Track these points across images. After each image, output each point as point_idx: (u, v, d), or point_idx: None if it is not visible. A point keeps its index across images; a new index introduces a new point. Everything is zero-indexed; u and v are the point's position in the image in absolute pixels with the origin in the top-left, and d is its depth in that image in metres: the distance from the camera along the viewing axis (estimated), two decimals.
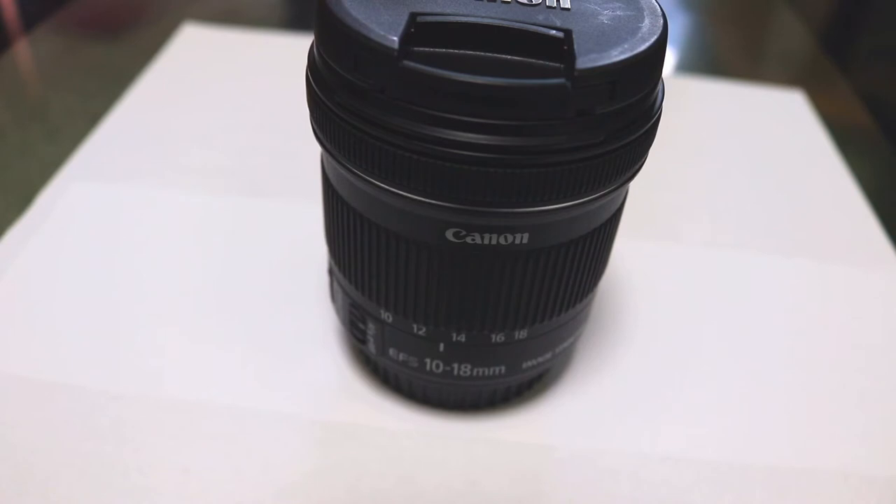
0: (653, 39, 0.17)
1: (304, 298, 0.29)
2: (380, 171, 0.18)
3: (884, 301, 0.31)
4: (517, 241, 0.19)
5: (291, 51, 0.42)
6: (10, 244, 0.30)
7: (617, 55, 0.16)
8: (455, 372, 0.23)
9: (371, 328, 0.23)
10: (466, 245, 0.19)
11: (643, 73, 0.17)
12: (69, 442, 0.23)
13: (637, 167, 0.19)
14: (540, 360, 0.23)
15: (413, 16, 0.17)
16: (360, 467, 0.23)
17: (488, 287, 0.20)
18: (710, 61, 0.54)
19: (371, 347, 0.23)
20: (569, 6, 0.18)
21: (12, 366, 0.25)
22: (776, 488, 0.24)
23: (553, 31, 0.17)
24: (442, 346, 0.22)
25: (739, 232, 0.34)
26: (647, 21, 0.18)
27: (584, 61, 0.16)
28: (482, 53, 0.17)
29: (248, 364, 0.26)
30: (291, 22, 0.55)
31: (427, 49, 0.17)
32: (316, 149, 0.21)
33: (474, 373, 0.23)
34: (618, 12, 0.18)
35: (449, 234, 0.19)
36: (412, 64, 0.16)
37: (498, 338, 0.22)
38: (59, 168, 0.34)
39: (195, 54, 0.45)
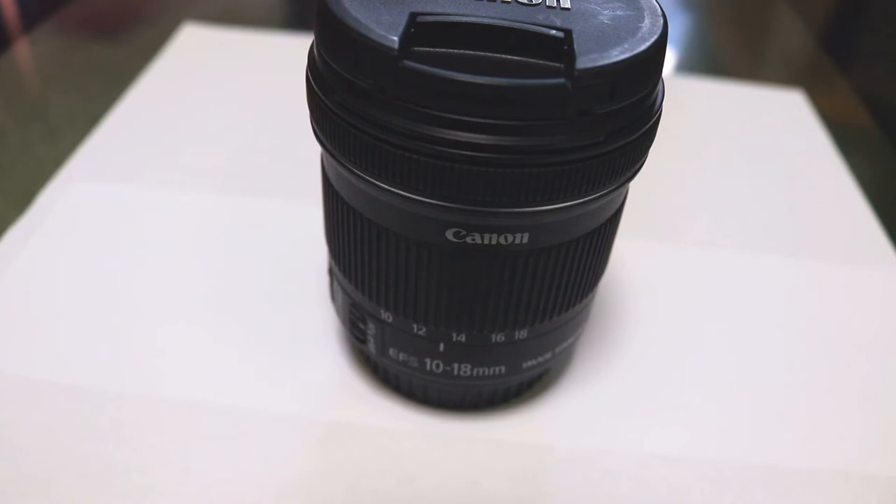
0: (653, 39, 0.17)
1: (304, 298, 0.29)
2: (380, 171, 0.18)
3: (884, 301, 0.31)
4: (517, 241, 0.19)
5: (291, 51, 0.42)
6: (10, 244, 0.30)
7: (617, 55, 0.16)
8: (455, 372, 0.23)
9: (371, 328, 0.23)
10: (466, 245, 0.19)
11: (643, 73, 0.17)
12: (69, 442, 0.23)
13: (637, 167, 0.19)
14: (540, 359, 0.23)
15: (413, 16, 0.17)
16: (360, 467, 0.23)
17: (488, 287, 0.20)
18: (710, 61, 0.54)
19: (371, 347, 0.23)
20: (569, 6, 0.18)
21: (12, 366, 0.25)
22: (777, 488, 0.24)
23: (553, 31, 0.17)
24: (442, 346, 0.22)
25: (739, 232, 0.34)
26: (647, 21, 0.18)
27: (584, 61, 0.16)
28: (482, 53, 0.17)
29: (249, 364, 0.26)
30: (291, 22, 0.55)
31: (427, 49, 0.17)
32: (316, 149, 0.21)
33: (474, 373, 0.23)
34: (618, 12, 0.18)
35: (449, 234, 0.19)
36: (412, 64, 0.16)
37: (498, 338, 0.22)
38: (59, 168, 0.34)
39: (195, 54, 0.45)
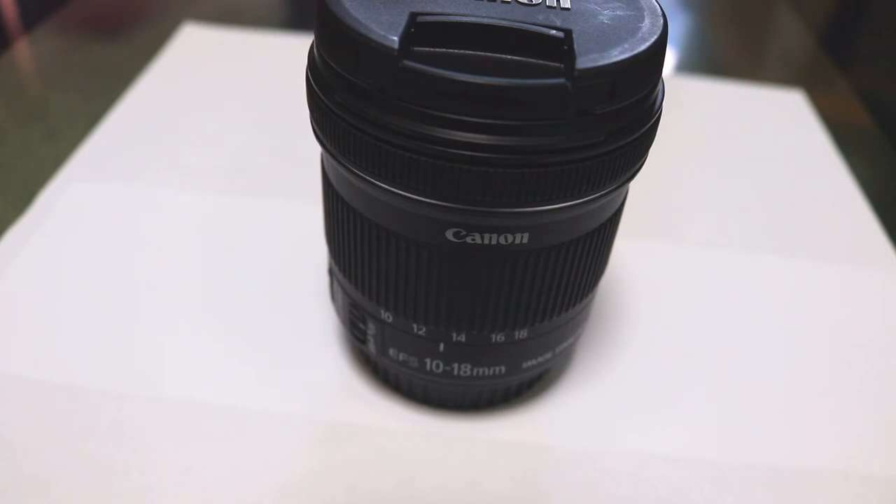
0: (653, 39, 0.17)
1: (304, 298, 0.29)
2: (380, 171, 0.18)
3: (884, 301, 0.31)
4: (517, 241, 0.19)
5: (291, 51, 0.42)
6: (10, 244, 0.30)
7: (617, 55, 0.16)
8: (455, 372, 0.23)
9: (371, 328, 0.23)
10: (466, 245, 0.19)
11: (643, 73, 0.17)
12: (69, 442, 0.23)
13: (637, 167, 0.19)
14: (540, 359, 0.23)
15: (413, 16, 0.17)
16: (360, 467, 0.23)
17: (488, 287, 0.20)
18: (710, 61, 0.54)
19: (371, 347, 0.23)
20: (569, 6, 0.18)
21: (12, 366, 0.25)
22: (777, 488, 0.24)
23: (553, 31, 0.17)
24: (442, 346, 0.22)
25: (739, 232, 0.34)
26: (647, 21, 0.18)
27: (584, 61, 0.16)
28: (482, 53, 0.17)
29: (249, 364, 0.26)
30: (291, 22, 0.55)
31: (427, 49, 0.17)
32: (316, 149, 0.21)
33: (474, 373, 0.23)
34: (618, 12, 0.18)
35: (449, 234, 0.19)
36: (412, 64, 0.16)
37: (498, 338, 0.22)
38: (59, 168, 0.34)
39: (195, 54, 0.45)
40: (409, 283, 0.20)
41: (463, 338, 0.21)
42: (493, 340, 0.22)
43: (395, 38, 0.16)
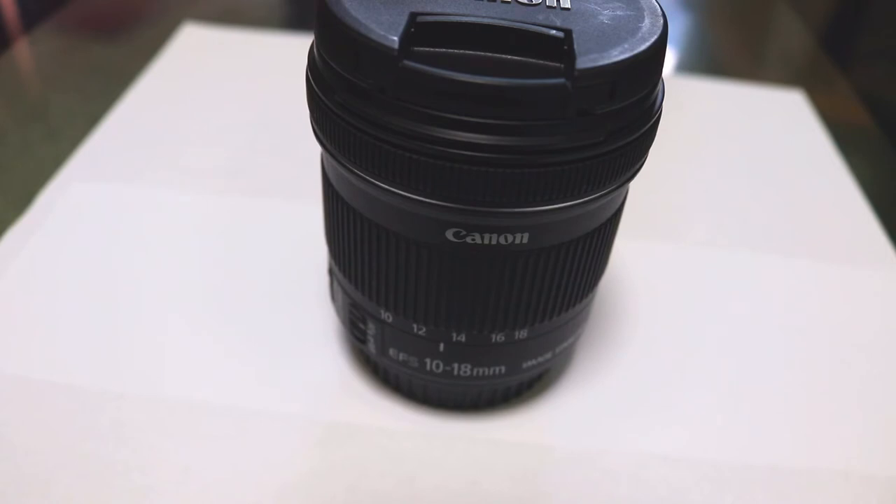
0: (653, 39, 0.17)
1: (304, 298, 0.29)
2: (380, 171, 0.18)
3: (884, 301, 0.31)
4: (517, 241, 0.19)
5: (291, 51, 0.42)
6: (10, 244, 0.30)
7: (617, 55, 0.16)
8: (455, 372, 0.23)
9: (371, 328, 0.23)
10: (466, 245, 0.19)
11: (643, 73, 0.17)
12: (69, 442, 0.23)
13: (637, 167, 0.19)
14: (540, 359, 0.23)
15: (413, 16, 0.17)
16: (360, 467, 0.23)
17: (488, 287, 0.20)
18: (710, 61, 0.54)
19: (371, 347, 0.23)
20: (569, 6, 0.18)
21: (12, 366, 0.25)
22: (777, 488, 0.24)
23: (553, 31, 0.17)
24: (442, 346, 0.22)
25: (739, 232, 0.34)
26: (647, 21, 0.18)
27: (584, 61, 0.16)
28: (482, 53, 0.17)
29: (249, 364, 0.26)
30: (291, 22, 0.55)
31: (427, 49, 0.17)
32: (316, 149, 0.21)
33: (474, 373, 0.23)
34: (618, 12, 0.18)
35: (449, 234, 0.19)
36: (412, 64, 0.16)
37: (498, 338, 0.22)
38: (59, 168, 0.34)
39: (195, 54, 0.45)
40: (409, 283, 0.20)
41: (463, 338, 0.21)
42: (493, 340, 0.22)
43: (395, 38, 0.16)
